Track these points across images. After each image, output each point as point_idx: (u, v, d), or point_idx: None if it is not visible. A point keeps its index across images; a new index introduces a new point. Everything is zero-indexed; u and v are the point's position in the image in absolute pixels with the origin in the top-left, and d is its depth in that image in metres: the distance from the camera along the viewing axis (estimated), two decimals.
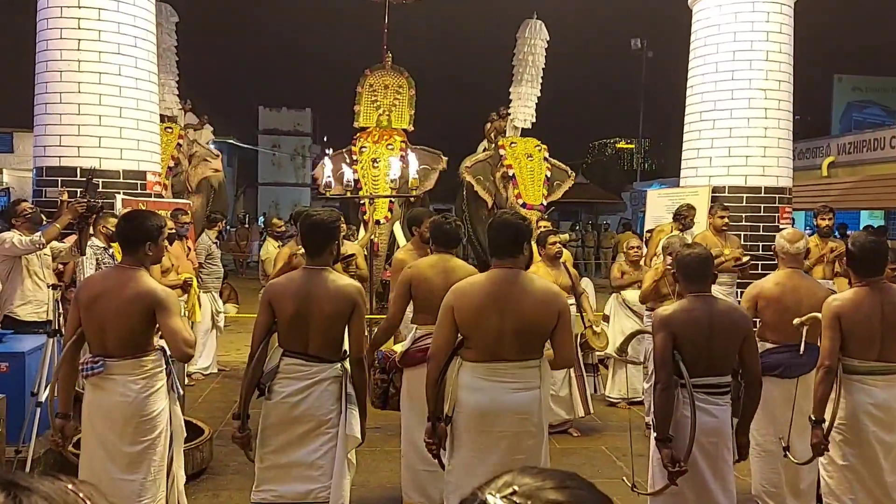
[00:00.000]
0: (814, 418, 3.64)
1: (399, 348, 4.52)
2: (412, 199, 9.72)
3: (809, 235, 7.61)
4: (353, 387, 3.47)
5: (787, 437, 4.02)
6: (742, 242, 7.80)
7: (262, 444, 3.47)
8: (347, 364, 3.48)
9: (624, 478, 4.11)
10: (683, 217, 7.37)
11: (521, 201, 10.62)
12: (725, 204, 7.88)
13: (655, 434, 3.40)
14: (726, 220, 7.22)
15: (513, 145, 11.10)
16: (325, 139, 37.23)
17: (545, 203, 10.80)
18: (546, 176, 10.88)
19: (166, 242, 4.66)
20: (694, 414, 3.29)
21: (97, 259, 5.89)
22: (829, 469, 3.80)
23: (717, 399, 3.41)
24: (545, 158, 11.05)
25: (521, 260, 3.35)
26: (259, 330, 3.44)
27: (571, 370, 5.79)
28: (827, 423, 3.62)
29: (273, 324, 3.43)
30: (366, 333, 5.19)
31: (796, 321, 3.99)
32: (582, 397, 5.99)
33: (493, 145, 11.44)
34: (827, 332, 3.64)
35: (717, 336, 3.37)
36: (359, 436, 3.47)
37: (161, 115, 9.21)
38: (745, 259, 6.85)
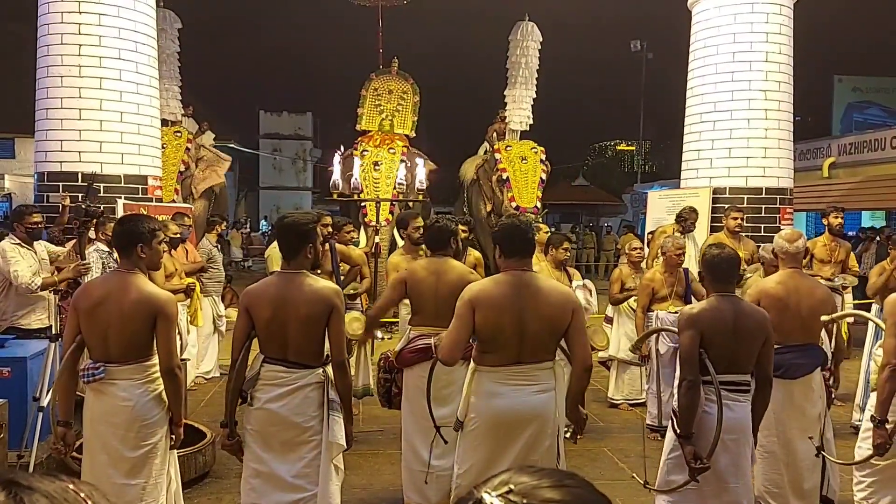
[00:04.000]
0: (878, 418, 3.62)
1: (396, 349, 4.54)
2: (416, 202, 9.74)
3: (817, 236, 7.61)
4: (336, 391, 3.44)
5: (817, 436, 4.04)
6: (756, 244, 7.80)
7: (246, 452, 3.46)
8: (329, 369, 3.44)
9: (635, 475, 4.11)
10: (684, 220, 7.37)
11: (514, 204, 10.64)
12: (739, 206, 7.89)
13: (679, 430, 3.42)
14: (739, 221, 7.22)
15: (508, 149, 11.13)
16: (317, 146, 37.33)
17: (539, 206, 10.81)
18: (541, 178, 10.89)
19: (166, 246, 4.65)
20: (720, 411, 3.32)
21: (103, 263, 5.90)
22: (866, 470, 3.82)
23: (737, 396, 3.45)
24: (542, 161, 11.05)
25: (530, 261, 3.40)
26: (238, 335, 3.41)
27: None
28: (893, 424, 3.60)
29: (252, 329, 3.40)
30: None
31: (824, 318, 3.99)
32: None
33: (491, 148, 11.47)
34: (893, 328, 3.61)
35: (740, 336, 3.41)
36: (343, 443, 3.43)
37: (163, 120, 9.24)
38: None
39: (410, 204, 9.87)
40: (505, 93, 11.63)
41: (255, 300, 3.39)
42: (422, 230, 5.26)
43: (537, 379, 3.28)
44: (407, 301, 4.52)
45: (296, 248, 3.41)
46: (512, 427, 3.25)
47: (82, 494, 0.76)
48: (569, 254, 6.22)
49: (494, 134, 11.66)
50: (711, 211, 8.74)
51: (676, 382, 3.62)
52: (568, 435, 5.90)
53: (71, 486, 0.76)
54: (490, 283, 3.37)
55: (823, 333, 4.34)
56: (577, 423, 3.48)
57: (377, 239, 9.81)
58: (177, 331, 3.51)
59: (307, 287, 3.36)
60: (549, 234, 6.62)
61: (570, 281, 6.17)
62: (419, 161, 8.97)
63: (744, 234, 7.54)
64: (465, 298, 3.29)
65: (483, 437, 3.30)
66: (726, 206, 8.33)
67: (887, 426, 3.61)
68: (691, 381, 3.35)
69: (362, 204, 10.05)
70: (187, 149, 10.34)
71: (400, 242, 10.31)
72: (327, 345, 3.43)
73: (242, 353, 3.39)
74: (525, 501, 0.78)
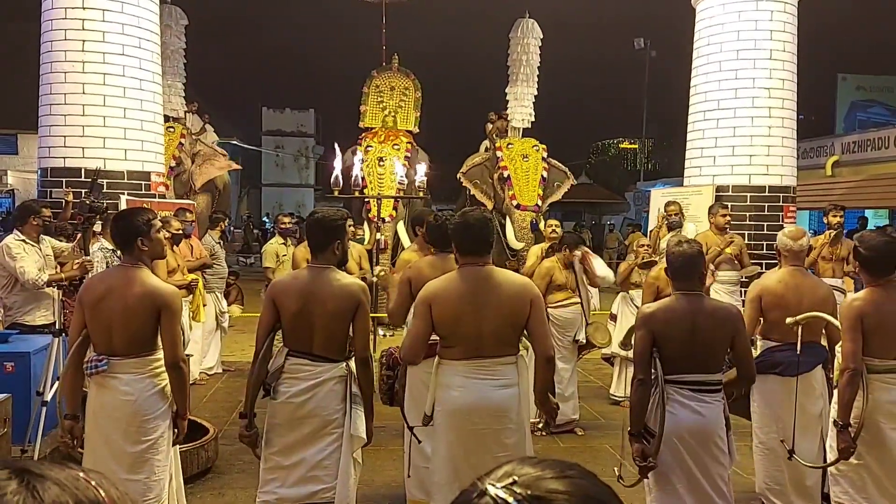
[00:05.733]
0: (840, 423, 3.59)
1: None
2: (415, 198, 9.74)
3: (818, 234, 7.63)
4: (358, 386, 3.47)
5: (790, 440, 4.00)
6: (746, 242, 7.80)
7: (267, 445, 3.47)
8: (352, 363, 3.48)
9: (615, 468, 4.11)
10: (667, 215, 7.44)
11: (515, 202, 10.61)
12: (726, 203, 7.90)
13: (629, 429, 3.41)
14: (728, 218, 7.21)
15: (510, 146, 11.10)
16: (320, 143, 37.34)
17: (540, 204, 10.77)
18: (542, 176, 10.85)
19: (168, 234, 4.65)
20: (663, 411, 3.29)
21: (107, 262, 5.91)
22: (843, 468, 3.75)
23: (703, 396, 3.38)
24: (544, 158, 11.02)
25: (489, 256, 3.41)
26: (263, 328, 3.43)
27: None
28: (856, 427, 3.58)
29: (277, 322, 3.43)
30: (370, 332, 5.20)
31: (789, 321, 3.96)
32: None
33: (493, 146, 11.44)
34: (849, 333, 3.59)
35: (700, 334, 3.34)
36: (364, 436, 3.46)
37: (166, 116, 9.24)
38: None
39: (422, 201, 9.85)
40: (506, 90, 11.61)
41: (283, 293, 3.42)
42: (426, 227, 5.26)
43: (499, 374, 3.30)
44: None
45: (324, 243, 3.45)
46: (475, 421, 3.27)
47: (93, 483, 0.77)
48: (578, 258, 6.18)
49: (496, 132, 11.64)
50: None
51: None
52: (540, 426, 5.91)
53: (81, 475, 0.77)
54: (446, 279, 3.39)
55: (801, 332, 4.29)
56: (549, 414, 3.51)
57: (378, 235, 9.82)
58: (180, 325, 3.52)
59: (335, 282, 3.40)
60: (565, 233, 6.57)
61: (576, 280, 6.18)
62: (420, 158, 8.98)
63: (733, 231, 7.54)
64: (421, 296, 3.34)
65: (448, 430, 3.33)
66: (728, 204, 8.32)
67: (850, 430, 3.59)
68: (641, 380, 3.35)
69: (366, 200, 10.06)
70: (180, 144, 10.27)
71: (405, 239, 10.34)
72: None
73: (266, 345, 3.42)
74: (529, 492, 0.79)
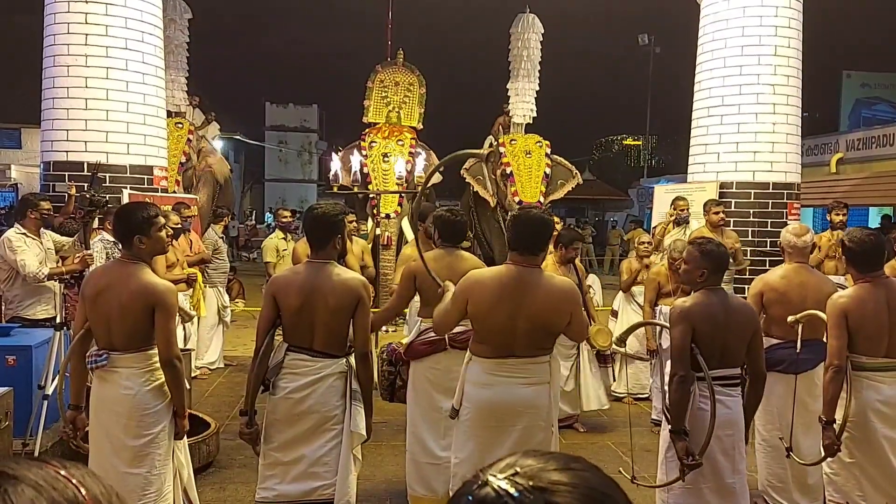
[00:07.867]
0: (825, 419, 3.59)
1: (405, 341, 4.53)
2: (416, 193, 9.71)
3: (821, 232, 7.61)
4: (358, 382, 3.46)
5: (788, 437, 3.99)
6: (742, 238, 7.77)
7: (266, 441, 3.46)
8: (352, 359, 3.47)
9: (621, 469, 4.10)
10: (674, 209, 7.40)
11: (517, 199, 10.59)
12: (726, 200, 7.87)
13: (670, 426, 3.39)
14: (721, 215, 7.18)
15: (513, 142, 11.06)
16: (323, 138, 37.31)
17: (542, 201, 10.73)
18: (545, 173, 10.81)
19: (170, 230, 4.64)
20: (714, 406, 3.28)
21: (107, 253, 5.91)
22: (834, 466, 3.74)
23: (730, 391, 3.42)
24: (547, 155, 10.98)
25: (541, 257, 3.37)
26: (263, 324, 3.42)
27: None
28: (839, 424, 3.57)
29: (277, 318, 3.42)
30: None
31: (790, 319, 3.95)
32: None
33: (497, 142, 11.41)
34: (834, 330, 3.59)
35: (731, 330, 3.38)
36: (364, 432, 3.45)
37: (168, 111, 9.23)
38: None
39: (425, 196, 9.82)
40: (507, 86, 11.57)
41: (283, 289, 3.41)
42: (432, 221, 5.23)
43: (530, 372, 3.28)
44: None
45: (323, 238, 3.45)
46: (502, 418, 3.25)
47: (74, 481, 0.72)
48: (577, 253, 6.17)
49: (500, 127, 11.61)
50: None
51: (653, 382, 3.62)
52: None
53: (62, 473, 0.72)
54: (489, 272, 3.38)
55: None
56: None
57: (378, 231, 9.82)
58: (177, 321, 3.51)
59: (336, 277, 3.39)
60: (562, 230, 6.55)
61: (578, 279, 6.16)
62: (422, 154, 8.96)
63: (729, 229, 7.51)
64: (461, 285, 3.33)
65: (475, 426, 3.31)
66: (732, 201, 8.30)
67: (834, 427, 3.57)
68: (683, 376, 3.32)
69: (371, 196, 10.06)
70: (188, 140, 10.31)
71: (409, 234, 10.32)
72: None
73: (267, 341, 3.40)
74: (531, 483, 0.77)
